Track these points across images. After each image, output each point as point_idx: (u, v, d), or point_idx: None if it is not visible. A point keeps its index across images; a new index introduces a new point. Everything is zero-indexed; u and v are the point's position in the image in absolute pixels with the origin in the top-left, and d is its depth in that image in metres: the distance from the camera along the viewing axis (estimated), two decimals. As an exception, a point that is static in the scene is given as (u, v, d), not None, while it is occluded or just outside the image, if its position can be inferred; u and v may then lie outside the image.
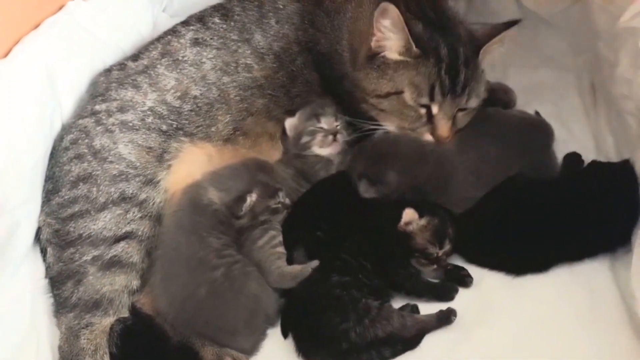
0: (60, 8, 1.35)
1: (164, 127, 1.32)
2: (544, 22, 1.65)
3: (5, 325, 1.10)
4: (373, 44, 1.28)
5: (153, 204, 1.25)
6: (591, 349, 1.08)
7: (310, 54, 1.41)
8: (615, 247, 1.21)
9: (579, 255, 1.21)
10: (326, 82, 1.42)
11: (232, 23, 1.41)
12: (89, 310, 1.14)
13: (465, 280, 1.21)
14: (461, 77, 1.26)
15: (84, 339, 1.13)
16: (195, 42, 1.39)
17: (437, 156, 1.30)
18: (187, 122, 1.34)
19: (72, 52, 1.33)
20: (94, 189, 1.22)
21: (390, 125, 1.34)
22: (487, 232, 1.24)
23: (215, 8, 1.45)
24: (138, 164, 1.26)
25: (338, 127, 1.37)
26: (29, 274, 1.18)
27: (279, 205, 1.27)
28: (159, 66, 1.36)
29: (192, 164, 1.31)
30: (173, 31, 1.43)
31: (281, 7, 1.43)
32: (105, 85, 1.35)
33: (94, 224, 1.19)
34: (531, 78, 1.64)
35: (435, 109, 1.28)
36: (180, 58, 1.37)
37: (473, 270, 1.23)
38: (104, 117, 1.29)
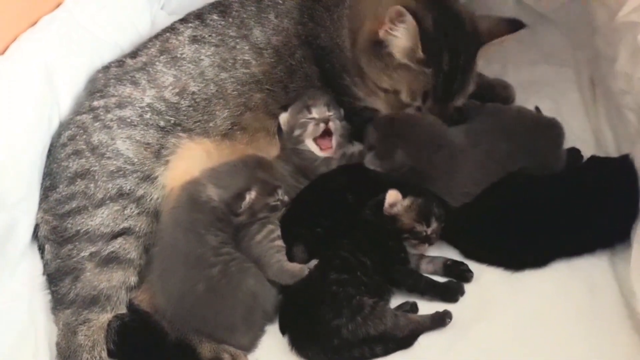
0: (58, 5, 1.35)
1: (162, 123, 1.31)
2: (542, 17, 1.65)
3: (2, 322, 1.10)
4: (382, 33, 1.28)
5: (150, 200, 1.25)
6: (590, 345, 1.08)
7: (309, 48, 1.41)
8: (614, 242, 1.21)
9: (578, 251, 1.21)
10: (326, 76, 1.42)
11: (231, 19, 1.41)
12: (87, 306, 1.14)
13: (465, 275, 1.21)
14: (455, 85, 1.30)
15: (82, 336, 1.12)
16: (194, 40, 1.39)
17: (451, 148, 1.30)
18: (185, 117, 1.33)
19: (70, 50, 1.33)
20: (92, 185, 1.22)
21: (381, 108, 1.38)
22: (486, 227, 1.24)
23: (214, 5, 1.45)
24: (136, 160, 1.26)
25: (330, 116, 1.36)
26: (27, 271, 1.19)
27: (278, 203, 1.27)
28: (157, 63, 1.36)
29: (189, 160, 1.31)
30: (171, 29, 1.43)
31: (280, 1, 1.43)
32: (104, 82, 1.35)
33: (92, 220, 1.19)
34: (530, 74, 1.64)
35: (425, 109, 1.33)
36: (178, 55, 1.37)
37: (471, 265, 1.23)
38: (102, 113, 1.29)
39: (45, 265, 1.21)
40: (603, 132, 1.44)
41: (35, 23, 1.29)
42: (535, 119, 1.40)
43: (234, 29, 1.40)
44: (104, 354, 1.12)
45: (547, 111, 1.46)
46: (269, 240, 1.24)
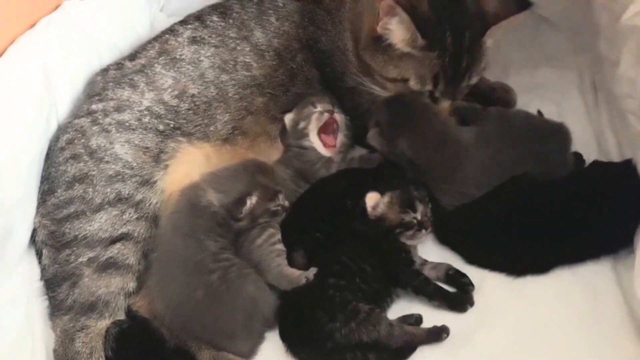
0: (56, 7, 1.34)
1: (161, 127, 1.31)
2: (544, 20, 1.65)
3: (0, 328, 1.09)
4: (379, 28, 1.27)
5: (149, 204, 1.24)
6: (593, 351, 1.07)
7: (310, 52, 1.40)
8: (617, 248, 1.20)
9: (580, 257, 1.20)
10: (326, 79, 1.42)
11: (231, 21, 1.40)
12: (85, 312, 1.13)
13: (465, 287, 1.19)
14: (464, 63, 1.27)
15: (80, 342, 1.11)
16: (193, 41, 1.38)
17: (456, 149, 1.29)
18: (184, 121, 1.33)
19: (69, 52, 1.32)
20: (90, 189, 1.21)
21: None
22: (487, 233, 1.23)
23: (214, 7, 1.45)
24: (134, 164, 1.25)
25: (335, 110, 1.36)
26: (24, 276, 1.18)
27: (279, 208, 1.26)
28: (156, 65, 1.35)
29: (189, 164, 1.30)
30: (171, 30, 1.42)
31: (281, 5, 1.42)
32: (102, 85, 1.34)
33: (90, 225, 1.18)
34: (532, 77, 1.63)
35: (437, 93, 1.31)
36: (177, 56, 1.36)
37: (474, 271, 1.22)
38: (100, 117, 1.28)
39: (42, 270, 1.20)
40: (605, 136, 1.43)
41: (34, 25, 1.29)
42: (543, 124, 1.38)
43: (235, 30, 1.39)
44: (102, 361, 1.12)
45: (549, 114, 1.45)
46: (270, 244, 1.23)
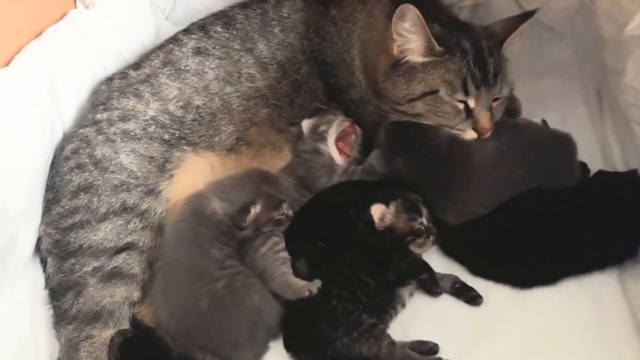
0: (62, 16, 1.34)
1: (166, 137, 1.31)
2: (549, 30, 1.64)
3: (4, 337, 1.09)
4: (395, 50, 1.28)
5: (154, 214, 1.24)
6: (598, 363, 1.07)
7: (315, 63, 1.40)
8: (623, 259, 1.19)
9: (586, 268, 1.19)
10: (331, 91, 1.41)
11: (235, 32, 1.40)
12: (89, 322, 1.13)
13: (475, 300, 1.18)
14: (490, 67, 1.27)
15: (84, 352, 1.11)
16: (198, 52, 1.38)
17: (465, 170, 1.29)
18: (189, 131, 1.33)
19: (74, 61, 1.32)
20: (95, 199, 1.21)
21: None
22: (493, 245, 1.23)
23: (217, 16, 1.44)
24: (139, 174, 1.25)
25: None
26: (29, 285, 1.18)
27: (283, 217, 1.26)
28: (160, 75, 1.35)
29: (194, 174, 1.30)
30: (174, 39, 1.42)
31: (285, 15, 1.42)
32: (107, 94, 1.34)
33: (95, 235, 1.18)
34: (536, 86, 1.63)
35: (472, 103, 1.28)
36: (182, 67, 1.36)
37: (479, 282, 1.21)
38: (105, 127, 1.28)
39: (47, 279, 1.20)
40: (610, 146, 1.43)
41: (39, 34, 1.29)
42: (552, 138, 1.36)
43: (238, 42, 1.39)
44: (107, 371, 1.11)
45: (554, 124, 1.45)
46: (274, 252, 1.22)
